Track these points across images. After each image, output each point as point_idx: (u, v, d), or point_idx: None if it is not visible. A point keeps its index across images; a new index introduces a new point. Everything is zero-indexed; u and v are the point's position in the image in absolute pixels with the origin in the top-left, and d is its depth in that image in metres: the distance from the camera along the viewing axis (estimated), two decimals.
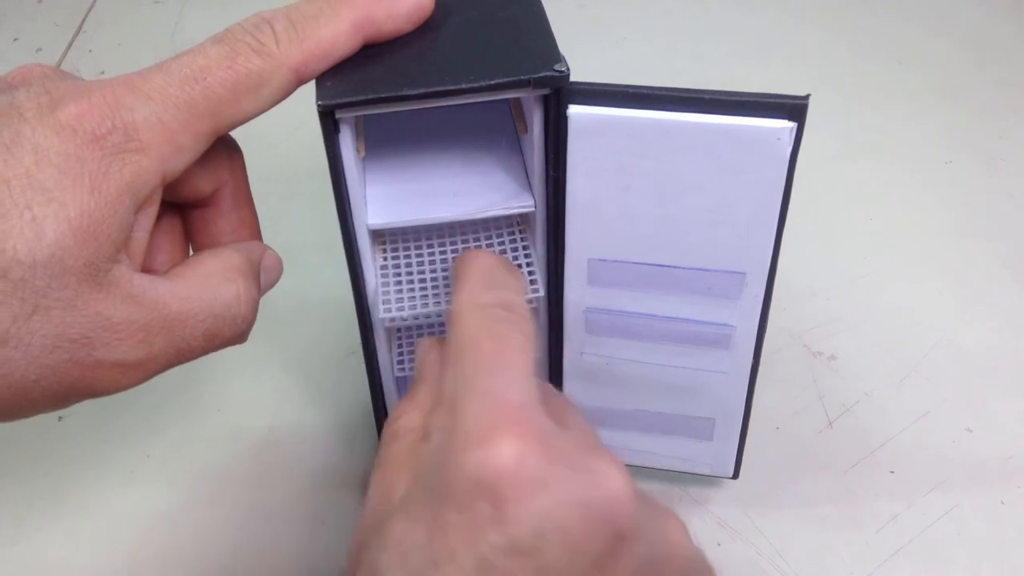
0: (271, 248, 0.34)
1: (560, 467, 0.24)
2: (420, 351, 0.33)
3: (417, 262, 0.37)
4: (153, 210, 0.29)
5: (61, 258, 0.25)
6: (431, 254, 0.37)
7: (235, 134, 0.31)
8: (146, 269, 0.30)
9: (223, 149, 0.32)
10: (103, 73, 0.70)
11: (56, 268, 0.25)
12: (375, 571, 0.25)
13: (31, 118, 0.26)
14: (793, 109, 0.30)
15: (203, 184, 0.32)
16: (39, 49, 0.73)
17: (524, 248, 0.37)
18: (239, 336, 0.32)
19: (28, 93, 0.27)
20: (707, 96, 0.30)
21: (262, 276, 0.33)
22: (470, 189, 0.35)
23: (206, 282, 0.30)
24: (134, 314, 0.27)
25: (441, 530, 0.24)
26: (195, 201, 0.32)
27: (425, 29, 0.32)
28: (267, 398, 0.49)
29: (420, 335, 0.43)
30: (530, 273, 0.35)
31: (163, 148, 0.27)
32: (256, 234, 0.35)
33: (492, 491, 0.24)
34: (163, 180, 0.28)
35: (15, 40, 0.74)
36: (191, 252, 0.34)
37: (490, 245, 0.38)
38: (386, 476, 0.28)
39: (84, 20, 0.76)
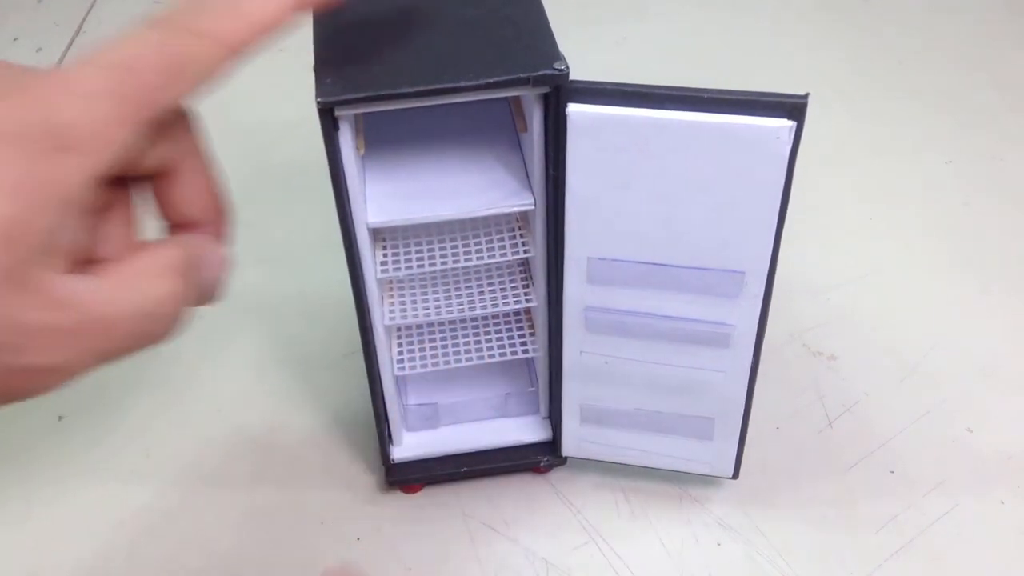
0: (221, 246, 0.32)
1: None
2: None
3: (417, 260, 0.37)
4: (86, 207, 0.27)
5: None
6: (431, 252, 0.37)
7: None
8: (92, 256, 0.29)
9: (167, 123, 0.31)
10: None
11: None
12: None
13: None
14: (792, 108, 0.30)
15: (149, 162, 0.30)
16: (39, 49, 0.73)
17: (524, 246, 0.37)
18: (168, 335, 0.30)
19: None
20: (706, 95, 0.30)
21: (203, 273, 0.31)
22: (470, 187, 0.35)
23: (135, 281, 0.28)
24: (59, 319, 0.26)
25: None
26: (146, 175, 0.31)
27: (425, 27, 0.32)
28: (267, 398, 0.49)
29: (420, 334, 0.43)
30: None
31: (93, 144, 0.26)
32: (219, 202, 0.32)
33: None
34: (97, 177, 0.27)
35: (15, 40, 0.74)
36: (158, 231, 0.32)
37: (490, 243, 0.38)
38: None
39: (84, 20, 0.76)
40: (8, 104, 0.25)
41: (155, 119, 0.27)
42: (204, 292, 0.31)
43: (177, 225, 0.32)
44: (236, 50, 0.28)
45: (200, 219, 0.32)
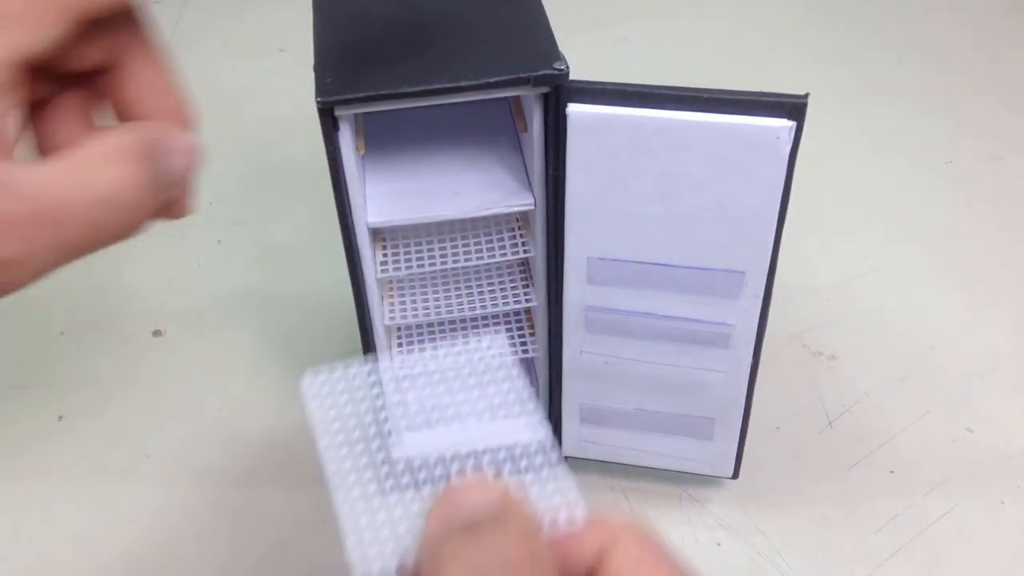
0: (186, 132, 0.29)
1: None
2: None
3: (417, 260, 0.37)
4: (19, 91, 0.26)
5: None
6: (431, 252, 0.37)
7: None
8: (43, 153, 0.28)
9: (111, 21, 0.30)
10: None
11: None
12: None
13: None
14: (792, 108, 0.30)
15: (90, 56, 0.28)
16: None
17: (524, 246, 0.37)
18: (128, 226, 0.28)
19: None
20: (706, 95, 0.30)
21: (166, 159, 0.28)
22: (470, 187, 0.35)
23: (87, 165, 0.26)
24: (7, 207, 0.25)
25: None
26: (92, 71, 0.29)
27: (425, 27, 0.32)
28: (267, 398, 0.49)
29: (420, 334, 0.43)
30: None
31: (22, 23, 0.25)
32: (172, 99, 0.30)
33: None
34: (25, 59, 0.25)
35: None
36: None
37: (490, 243, 0.38)
38: None
39: None
40: None
41: (84, 19, 0.26)
42: (170, 183, 0.28)
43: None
44: None
45: (157, 116, 0.29)
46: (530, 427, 0.25)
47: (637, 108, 0.30)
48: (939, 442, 0.46)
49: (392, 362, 0.25)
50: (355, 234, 0.34)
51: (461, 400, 0.25)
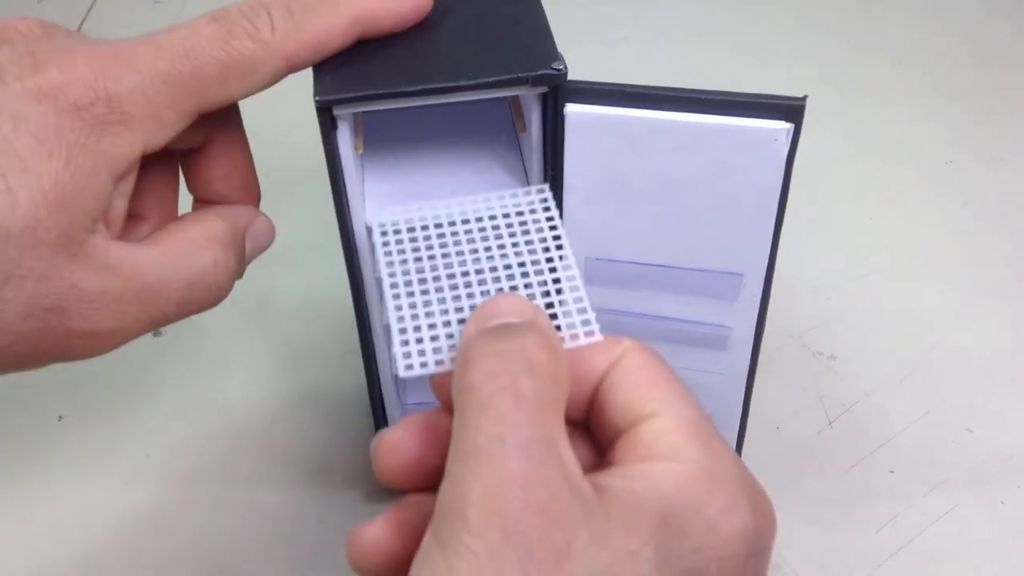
0: (263, 214, 0.33)
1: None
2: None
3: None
4: (132, 179, 0.28)
5: (34, 229, 0.25)
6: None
7: None
8: (133, 217, 0.29)
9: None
10: None
11: (29, 239, 0.25)
12: None
13: (11, 82, 0.25)
14: (790, 110, 0.30)
15: (190, 139, 0.31)
16: None
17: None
18: (213, 303, 0.31)
19: (11, 54, 0.26)
20: (704, 96, 0.30)
21: (249, 242, 0.32)
22: (468, 187, 0.35)
23: (183, 250, 0.29)
24: (108, 284, 0.27)
25: None
26: (185, 151, 0.32)
27: (424, 26, 0.32)
28: (267, 398, 0.49)
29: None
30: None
31: (146, 122, 0.27)
32: (251, 182, 0.33)
33: None
34: (143, 152, 0.27)
35: None
36: (187, 204, 0.33)
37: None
38: None
39: (84, 20, 0.76)
40: (68, 72, 0.26)
41: (202, 111, 0.28)
42: (250, 260, 0.32)
43: (203, 200, 0.33)
44: (291, 62, 0.29)
45: (229, 196, 0.33)
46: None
47: (635, 109, 0.30)
48: (939, 442, 0.46)
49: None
50: (353, 234, 0.34)
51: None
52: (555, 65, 0.30)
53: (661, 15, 0.75)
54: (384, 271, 0.28)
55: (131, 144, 0.27)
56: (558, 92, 0.31)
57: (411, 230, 0.29)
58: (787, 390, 0.49)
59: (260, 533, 0.43)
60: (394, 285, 0.27)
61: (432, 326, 0.26)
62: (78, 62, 0.26)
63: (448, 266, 0.28)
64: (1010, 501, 0.44)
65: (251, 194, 0.34)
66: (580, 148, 0.32)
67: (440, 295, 0.27)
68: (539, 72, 0.30)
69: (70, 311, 0.26)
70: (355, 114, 0.31)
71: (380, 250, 0.28)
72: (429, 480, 0.24)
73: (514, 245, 0.28)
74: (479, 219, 0.29)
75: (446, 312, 0.26)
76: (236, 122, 0.33)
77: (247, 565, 0.42)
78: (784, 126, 0.30)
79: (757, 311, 0.35)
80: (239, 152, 0.33)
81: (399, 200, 0.35)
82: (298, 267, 0.54)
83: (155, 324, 0.29)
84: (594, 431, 0.26)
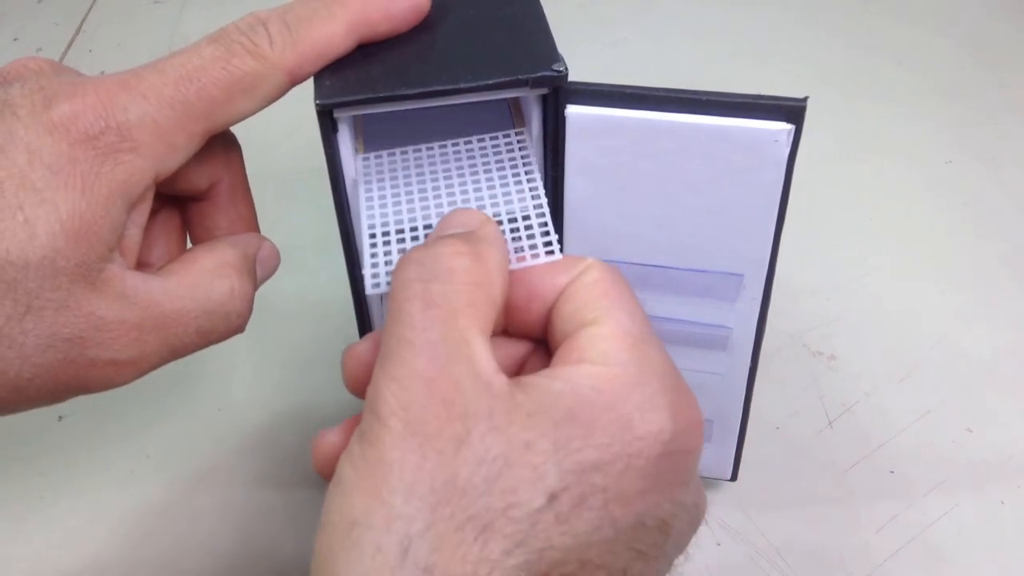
0: (268, 239, 0.34)
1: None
2: None
3: None
4: (146, 207, 0.29)
5: (53, 259, 0.25)
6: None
7: (234, 131, 0.31)
8: (142, 264, 0.30)
9: (219, 145, 0.32)
10: (103, 73, 0.70)
11: (48, 269, 0.25)
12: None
13: (24, 116, 0.26)
14: (791, 111, 0.30)
15: (198, 179, 0.31)
16: (39, 49, 0.73)
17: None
18: (233, 331, 0.31)
19: (22, 89, 0.27)
20: (704, 97, 0.30)
21: (258, 268, 0.33)
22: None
23: (199, 279, 0.30)
24: (126, 313, 0.27)
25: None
26: (192, 195, 0.32)
27: (424, 28, 0.32)
28: (267, 397, 0.49)
29: None
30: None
31: (156, 147, 0.27)
32: (254, 228, 0.34)
33: None
34: (156, 179, 0.28)
35: (15, 40, 0.74)
36: (189, 244, 0.34)
37: None
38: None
39: (84, 20, 0.76)
40: (78, 103, 0.26)
41: (212, 132, 0.29)
42: (259, 285, 0.32)
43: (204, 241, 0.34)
44: (294, 74, 0.29)
45: (232, 234, 0.34)
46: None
47: (636, 110, 0.30)
48: (939, 442, 0.46)
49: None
50: (354, 235, 0.34)
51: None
52: (555, 67, 0.30)
53: (661, 16, 0.75)
54: (363, 198, 0.30)
55: (143, 171, 0.27)
56: (558, 94, 0.31)
57: (391, 155, 0.31)
58: (787, 390, 0.49)
59: (261, 533, 0.44)
60: (370, 207, 0.29)
61: (403, 251, 0.28)
62: (87, 93, 0.27)
63: (422, 191, 0.30)
64: (1010, 501, 0.44)
65: (254, 226, 0.34)
66: (580, 149, 0.32)
67: (412, 217, 0.29)
68: (539, 74, 0.30)
69: (89, 340, 0.27)
70: (355, 116, 0.31)
71: (361, 176, 0.30)
72: None
73: (486, 173, 0.30)
74: (455, 146, 0.32)
75: (415, 232, 0.28)
76: (241, 169, 0.33)
77: (247, 565, 0.42)
78: (785, 127, 0.30)
79: (758, 312, 0.35)
80: (242, 200, 0.34)
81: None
82: (299, 268, 0.54)
83: (175, 354, 0.30)
84: (549, 343, 0.27)
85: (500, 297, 0.25)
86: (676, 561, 0.27)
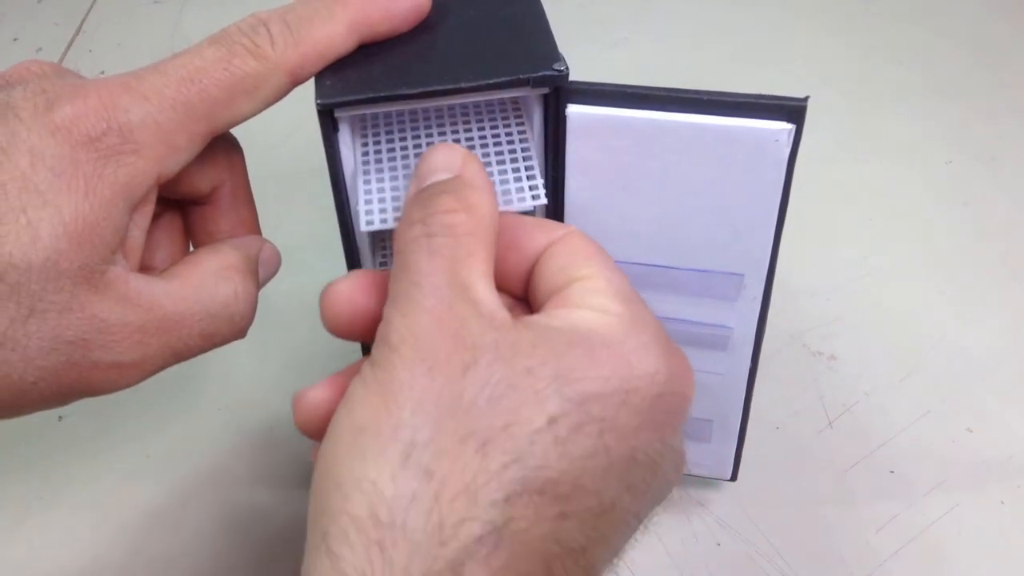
0: (269, 241, 0.34)
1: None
2: None
3: None
4: (149, 210, 0.29)
5: (56, 261, 0.25)
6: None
7: (235, 132, 0.31)
8: (145, 267, 0.30)
9: (221, 148, 0.32)
10: (103, 73, 0.70)
11: (51, 271, 0.25)
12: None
13: (26, 119, 0.26)
14: (792, 111, 0.30)
15: (201, 182, 0.31)
16: (39, 49, 0.73)
17: None
18: (237, 334, 0.32)
19: (24, 92, 0.27)
20: (705, 97, 0.30)
21: (260, 270, 0.33)
22: None
23: (203, 281, 0.30)
24: (130, 316, 0.27)
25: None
26: (194, 199, 0.32)
27: (424, 28, 0.32)
28: (267, 398, 0.49)
29: None
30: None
31: (158, 149, 0.27)
32: (255, 230, 0.34)
33: None
34: (158, 181, 0.28)
35: (15, 40, 0.74)
36: (191, 248, 0.34)
37: None
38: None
39: (84, 20, 0.76)
40: (80, 105, 0.27)
41: (214, 133, 0.29)
42: (260, 287, 0.33)
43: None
44: (295, 74, 0.29)
45: (233, 236, 0.34)
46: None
47: (637, 110, 0.30)
48: (939, 442, 0.46)
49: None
50: (355, 235, 0.34)
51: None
52: (556, 66, 0.30)
53: (661, 16, 0.75)
54: (360, 173, 0.31)
55: (145, 172, 0.27)
56: (559, 93, 0.31)
57: (390, 142, 0.33)
58: (787, 390, 0.49)
59: (260, 533, 0.44)
60: (365, 155, 0.30)
61: (395, 188, 0.30)
62: (89, 96, 0.27)
63: (416, 137, 0.31)
64: (1010, 501, 0.44)
65: (256, 230, 0.34)
66: (581, 149, 0.32)
67: (405, 161, 0.31)
68: (540, 73, 0.30)
69: (92, 343, 0.27)
70: (356, 116, 0.31)
71: (360, 161, 0.31)
72: (369, 330, 0.27)
73: (479, 123, 0.32)
74: (451, 107, 0.32)
75: (408, 169, 0.30)
76: (242, 170, 0.33)
77: (247, 565, 0.42)
78: (786, 127, 0.30)
79: (758, 311, 0.35)
80: (244, 203, 0.34)
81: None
82: (299, 267, 0.54)
83: (179, 357, 0.30)
84: (530, 299, 0.28)
85: (495, 234, 0.27)
86: (654, 512, 0.28)
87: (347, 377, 0.26)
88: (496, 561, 0.22)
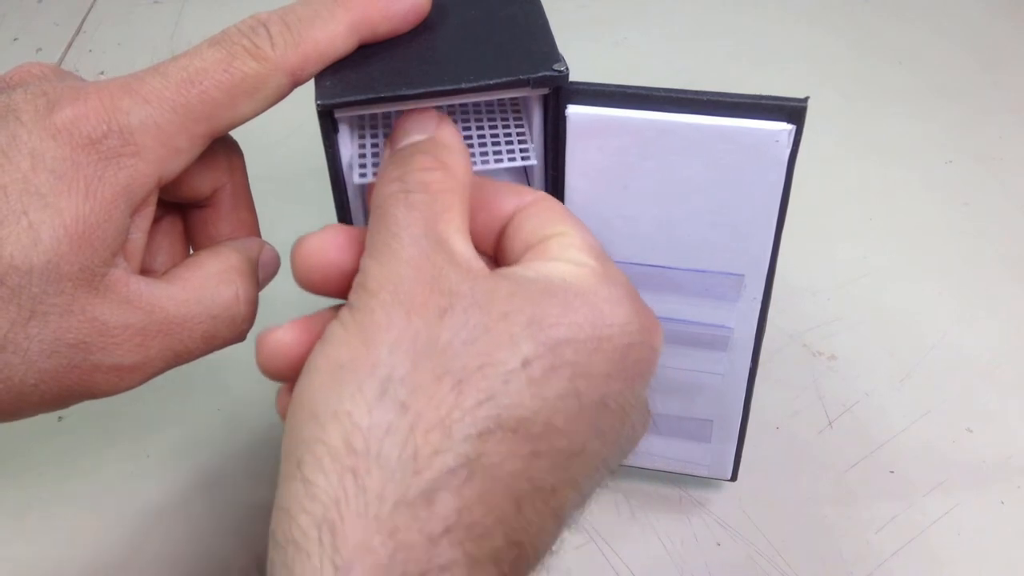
0: (268, 243, 0.34)
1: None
2: None
3: None
4: (149, 212, 0.29)
5: (57, 264, 0.25)
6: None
7: (234, 132, 0.31)
8: (145, 270, 0.30)
9: (222, 150, 0.32)
10: (103, 73, 0.70)
11: (52, 274, 0.25)
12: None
13: (27, 121, 0.26)
14: (792, 111, 0.30)
15: (201, 185, 0.31)
16: (39, 49, 0.73)
17: None
18: (238, 336, 0.32)
19: (25, 95, 0.27)
20: (705, 97, 0.30)
21: (260, 272, 0.33)
22: None
23: (204, 284, 0.30)
24: (131, 318, 0.27)
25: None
26: (194, 202, 0.32)
27: (424, 28, 0.32)
28: (267, 397, 0.49)
29: None
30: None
31: (159, 151, 0.27)
32: (255, 232, 0.34)
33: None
34: (159, 183, 0.28)
35: (15, 40, 0.74)
36: (191, 251, 0.34)
37: None
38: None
39: (84, 20, 0.76)
40: (80, 108, 0.27)
41: (214, 135, 0.29)
42: (260, 289, 0.33)
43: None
44: (296, 75, 0.29)
45: (233, 238, 0.34)
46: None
47: (637, 110, 0.30)
48: (939, 442, 0.46)
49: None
50: None
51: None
52: (556, 67, 0.30)
53: (661, 16, 0.75)
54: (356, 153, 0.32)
55: (146, 175, 0.27)
56: (559, 93, 0.31)
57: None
58: (787, 390, 0.49)
59: (260, 533, 0.43)
60: (363, 155, 0.31)
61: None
62: (89, 98, 0.27)
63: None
64: (1010, 501, 0.44)
65: (256, 232, 0.34)
66: (581, 149, 0.32)
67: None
68: (541, 74, 0.30)
69: (93, 345, 0.27)
70: (356, 117, 0.31)
71: (356, 153, 0.32)
72: (342, 285, 0.27)
73: (478, 123, 0.33)
74: (451, 107, 0.33)
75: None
76: (242, 173, 0.33)
77: (247, 565, 0.42)
78: (786, 127, 0.30)
79: (758, 312, 0.35)
80: (245, 205, 0.34)
81: None
82: None
83: (180, 359, 0.30)
84: (499, 260, 0.29)
85: (468, 191, 0.28)
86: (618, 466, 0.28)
87: (314, 322, 0.27)
88: (468, 492, 0.23)
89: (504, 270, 0.26)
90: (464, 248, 0.26)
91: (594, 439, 0.25)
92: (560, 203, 0.29)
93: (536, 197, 0.29)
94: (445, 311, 0.24)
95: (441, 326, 0.24)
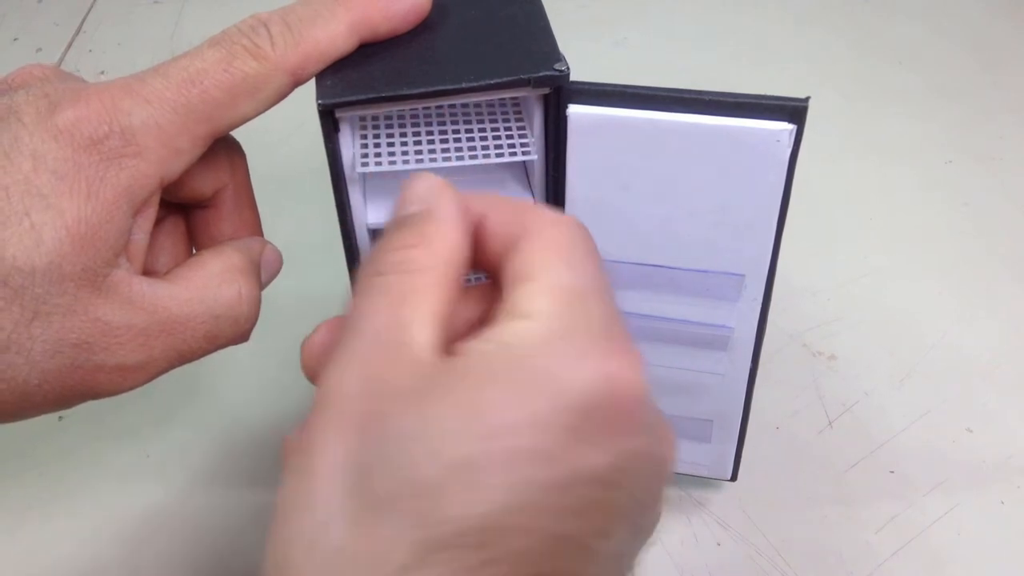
0: (270, 242, 0.34)
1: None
2: None
3: None
4: (152, 213, 0.29)
5: (59, 264, 0.25)
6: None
7: (236, 132, 0.31)
8: (148, 271, 0.30)
9: (224, 151, 0.32)
10: (103, 73, 0.70)
11: (55, 274, 0.25)
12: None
13: (29, 123, 0.26)
14: (793, 111, 0.30)
15: (203, 185, 0.31)
16: (39, 49, 0.73)
17: None
18: (241, 336, 0.32)
19: (27, 96, 0.27)
20: (706, 97, 0.30)
21: (262, 272, 0.33)
22: (469, 188, 0.35)
23: (207, 283, 0.30)
24: (133, 318, 0.27)
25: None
26: (196, 202, 0.32)
27: (425, 28, 0.32)
28: (267, 397, 0.49)
29: None
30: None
31: (160, 152, 0.27)
32: (257, 232, 0.34)
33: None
34: (161, 183, 0.28)
35: (15, 40, 0.74)
36: (194, 251, 0.34)
37: None
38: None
39: (84, 20, 0.76)
40: (82, 109, 0.27)
41: (216, 135, 0.29)
42: (262, 289, 0.33)
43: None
44: (296, 75, 0.29)
45: (235, 238, 0.34)
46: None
47: (637, 110, 0.30)
48: (939, 442, 0.46)
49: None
50: (355, 235, 0.34)
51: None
52: (557, 66, 0.30)
53: (661, 16, 0.75)
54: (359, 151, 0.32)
55: (148, 175, 0.27)
56: (560, 93, 0.31)
57: (390, 139, 0.33)
58: (787, 390, 0.49)
59: (260, 533, 0.43)
60: (364, 155, 0.31)
61: (391, 143, 0.32)
62: (91, 99, 0.27)
63: (416, 137, 0.32)
64: (1010, 501, 0.44)
65: (258, 231, 0.34)
66: (582, 149, 0.32)
67: (405, 158, 0.32)
68: (541, 73, 0.30)
69: (96, 346, 0.27)
70: (357, 116, 0.31)
71: (358, 153, 0.32)
72: None
73: (479, 123, 0.33)
74: (456, 135, 0.33)
75: (408, 166, 0.31)
76: (244, 173, 0.33)
77: (247, 565, 0.42)
78: (787, 127, 0.30)
79: (758, 312, 0.35)
80: (247, 205, 0.34)
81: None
82: (299, 267, 0.54)
83: (183, 359, 0.30)
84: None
85: (455, 268, 0.26)
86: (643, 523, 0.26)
87: (343, 320, 0.26)
88: None
89: (462, 348, 0.24)
90: (422, 336, 0.24)
91: (570, 520, 0.22)
92: (560, 228, 0.26)
93: (528, 231, 0.26)
94: (380, 421, 0.22)
95: (370, 441, 0.22)
